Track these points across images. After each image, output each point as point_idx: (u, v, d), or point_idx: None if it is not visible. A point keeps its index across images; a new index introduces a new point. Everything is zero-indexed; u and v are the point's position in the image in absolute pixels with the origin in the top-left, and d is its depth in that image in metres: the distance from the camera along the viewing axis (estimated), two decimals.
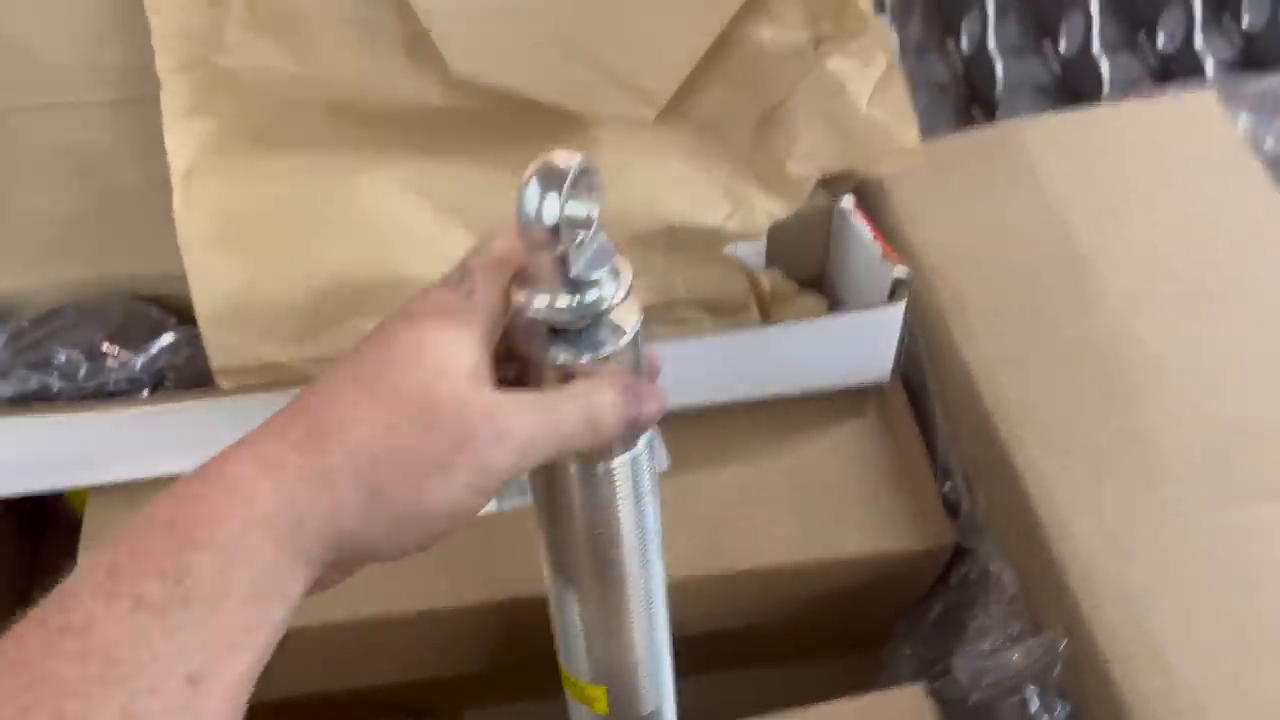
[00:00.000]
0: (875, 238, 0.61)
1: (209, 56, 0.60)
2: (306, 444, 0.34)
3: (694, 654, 0.61)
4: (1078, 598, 0.51)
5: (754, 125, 0.63)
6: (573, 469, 0.42)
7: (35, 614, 0.31)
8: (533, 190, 0.36)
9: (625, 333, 0.39)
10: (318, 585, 0.35)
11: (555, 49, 0.59)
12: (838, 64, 0.62)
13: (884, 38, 0.62)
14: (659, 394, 0.40)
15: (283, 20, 0.61)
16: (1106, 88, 0.89)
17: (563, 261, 0.37)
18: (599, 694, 0.51)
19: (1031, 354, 0.58)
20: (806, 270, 0.67)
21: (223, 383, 0.57)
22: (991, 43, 0.88)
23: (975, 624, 0.55)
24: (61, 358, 0.55)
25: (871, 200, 0.66)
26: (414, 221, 0.59)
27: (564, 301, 0.38)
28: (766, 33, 0.63)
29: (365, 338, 0.37)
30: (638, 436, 0.42)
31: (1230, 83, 0.77)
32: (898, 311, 0.59)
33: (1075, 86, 0.91)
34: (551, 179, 0.36)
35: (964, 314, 0.60)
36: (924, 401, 0.62)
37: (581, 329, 0.39)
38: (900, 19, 0.97)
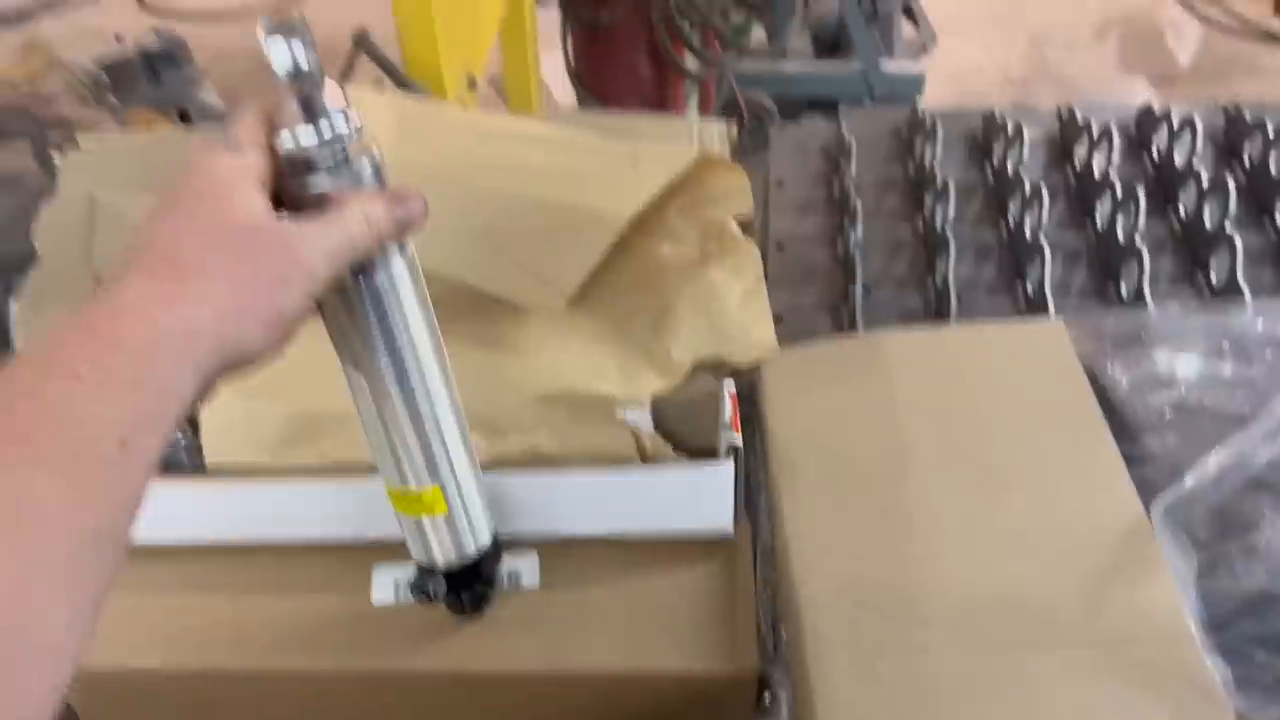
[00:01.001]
0: (733, 415, 0.75)
1: None
2: (177, 276, 0.43)
3: None
4: (818, 710, 0.60)
5: (650, 318, 0.78)
6: (363, 288, 0.52)
7: None
8: (279, 41, 0.45)
9: (368, 164, 0.50)
10: (201, 395, 0.44)
11: (487, 247, 0.77)
12: (716, 275, 0.77)
13: (755, 258, 0.78)
14: (418, 196, 0.51)
15: None
16: None
17: (308, 100, 0.47)
18: (435, 495, 0.61)
19: (839, 514, 0.69)
20: (703, 442, 0.80)
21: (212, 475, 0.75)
22: (952, 278, 1.01)
23: None
24: None
25: (756, 388, 0.80)
26: None
27: (311, 136, 0.47)
28: (667, 249, 0.80)
29: (168, 198, 0.46)
30: (406, 236, 0.52)
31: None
32: (729, 467, 0.71)
33: None
34: (291, 29, 0.45)
35: (795, 480, 0.71)
36: None
37: (334, 163, 0.48)
38: (890, 256, 1.11)
